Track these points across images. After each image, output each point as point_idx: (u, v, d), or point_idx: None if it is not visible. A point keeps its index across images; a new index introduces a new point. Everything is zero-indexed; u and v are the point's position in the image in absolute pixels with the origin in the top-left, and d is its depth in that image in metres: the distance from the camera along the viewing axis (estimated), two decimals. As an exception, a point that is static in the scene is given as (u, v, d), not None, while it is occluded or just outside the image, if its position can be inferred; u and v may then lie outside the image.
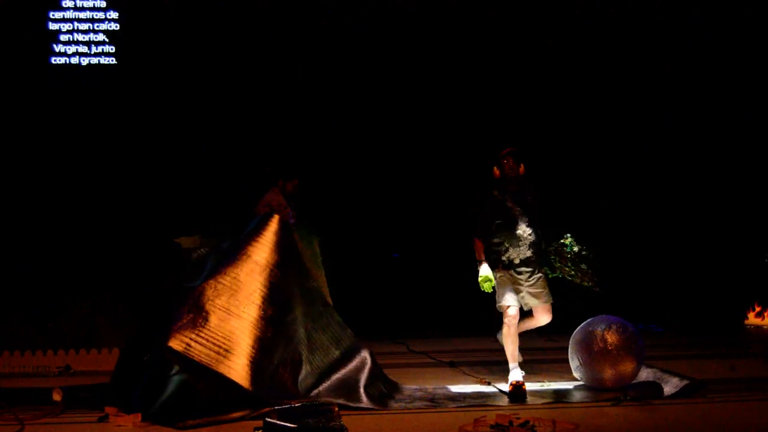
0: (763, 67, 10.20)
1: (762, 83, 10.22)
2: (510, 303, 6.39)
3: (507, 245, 6.46)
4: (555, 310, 6.69)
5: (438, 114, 10.16)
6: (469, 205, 7.09)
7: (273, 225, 6.03)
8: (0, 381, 6.70)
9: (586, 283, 6.48)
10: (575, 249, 6.51)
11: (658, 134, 10.43)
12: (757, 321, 10.18)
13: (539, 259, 6.53)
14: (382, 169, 10.09)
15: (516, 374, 6.23)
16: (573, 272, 6.49)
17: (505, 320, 6.40)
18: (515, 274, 6.46)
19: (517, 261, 6.44)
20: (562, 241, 6.50)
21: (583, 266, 6.50)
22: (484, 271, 6.40)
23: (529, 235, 6.44)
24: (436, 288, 9.73)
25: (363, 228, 9.93)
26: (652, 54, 10.28)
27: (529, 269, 6.45)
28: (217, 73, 9.70)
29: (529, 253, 6.44)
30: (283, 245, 5.97)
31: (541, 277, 6.52)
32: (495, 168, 6.56)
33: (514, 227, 6.44)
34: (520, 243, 6.43)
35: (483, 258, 6.48)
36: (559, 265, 6.51)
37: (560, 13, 10.09)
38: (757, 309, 10.19)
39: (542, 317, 6.57)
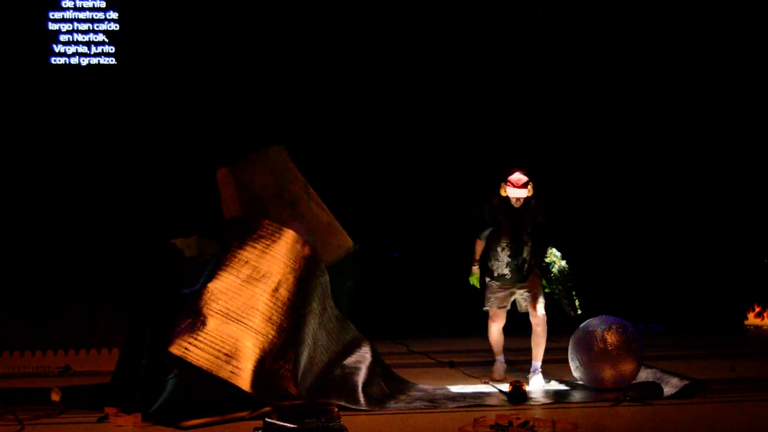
0: (763, 66, 10.19)
1: (762, 83, 10.21)
2: (492, 306, 6.70)
3: (491, 256, 6.72)
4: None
5: (438, 114, 10.14)
6: (474, 206, 7.23)
7: (285, 239, 5.93)
8: (0, 381, 6.71)
9: (564, 301, 6.54)
10: (554, 270, 6.57)
11: (659, 133, 10.42)
12: (757, 321, 10.17)
13: (518, 278, 6.63)
14: (382, 169, 10.08)
15: (499, 367, 6.70)
16: (557, 292, 6.59)
17: (489, 321, 6.76)
18: (502, 281, 6.68)
19: (495, 275, 6.69)
20: (546, 259, 6.58)
21: (559, 287, 6.57)
22: (474, 270, 6.79)
23: (508, 255, 6.58)
24: (436, 288, 9.72)
25: (363, 228, 9.90)
26: (651, 53, 10.27)
27: (506, 286, 6.63)
28: (217, 73, 9.69)
29: (505, 271, 6.62)
30: (291, 256, 5.89)
31: (527, 290, 6.63)
32: (502, 186, 6.58)
33: (498, 241, 6.62)
34: (499, 258, 6.63)
35: (476, 258, 6.78)
36: (545, 283, 6.64)
37: (556, 14, 10.08)
38: (757, 309, 10.19)
39: (534, 318, 6.63)
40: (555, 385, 6.48)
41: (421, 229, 10.07)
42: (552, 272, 6.57)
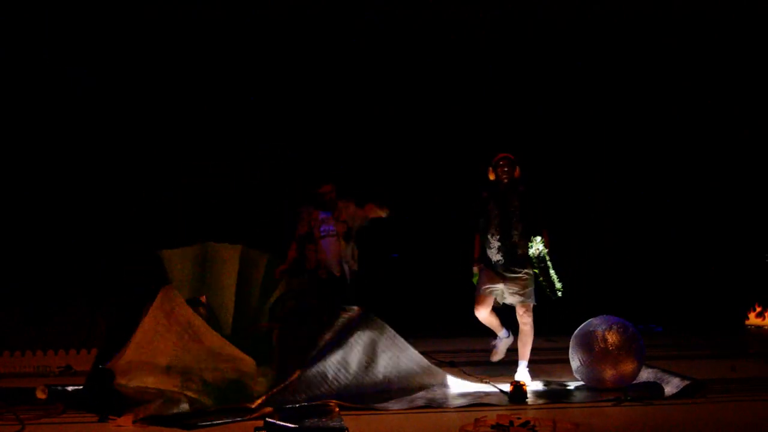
0: (763, 66, 10.19)
1: (762, 83, 10.21)
2: (479, 292, 6.67)
3: (485, 246, 6.74)
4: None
5: (437, 114, 10.15)
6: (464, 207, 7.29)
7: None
8: (0, 381, 6.71)
9: (543, 283, 6.59)
10: (530, 251, 6.60)
11: (659, 133, 10.42)
12: (758, 321, 10.15)
13: (511, 262, 6.64)
14: (381, 169, 10.08)
15: (505, 338, 6.81)
16: (536, 273, 6.61)
17: (475, 305, 6.70)
18: (495, 270, 6.67)
19: (491, 263, 6.68)
20: (530, 243, 6.60)
21: (535, 269, 6.59)
22: (475, 270, 6.79)
23: (498, 240, 6.64)
24: (436, 288, 9.73)
25: (362, 228, 9.89)
26: (651, 53, 10.27)
27: (502, 272, 6.63)
28: (217, 73, 9.69)
29: (498, 257, 6.65)
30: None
31: (520, 277, 6.61)
32: (490, 170, 6.80)
33: (487, 230, 6.69)
34: (491, 246, 6.68)
35: (476, 256, 6.80)
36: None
37: (556, 14, 10.08)
38: (758, 309, 10.17)
39: (521, 317, 6.64)
40: (555, 385, 6.47)
41: (421, 229, 10.08)
42: (529, 254, 6.60)
